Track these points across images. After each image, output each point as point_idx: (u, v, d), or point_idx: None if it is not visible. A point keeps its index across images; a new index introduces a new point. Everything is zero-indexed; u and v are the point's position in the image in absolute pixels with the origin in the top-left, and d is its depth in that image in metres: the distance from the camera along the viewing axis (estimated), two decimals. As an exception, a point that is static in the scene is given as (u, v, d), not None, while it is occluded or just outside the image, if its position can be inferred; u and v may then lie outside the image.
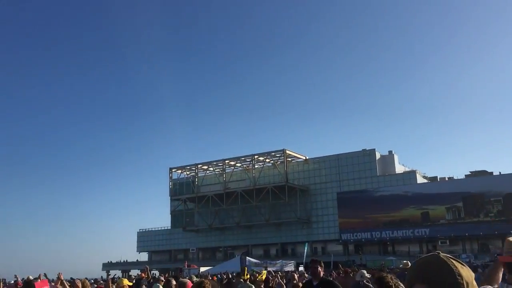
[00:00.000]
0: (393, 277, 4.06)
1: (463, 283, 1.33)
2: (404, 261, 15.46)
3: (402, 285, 3.99)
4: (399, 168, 75.74)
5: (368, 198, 69.82)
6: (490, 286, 3.04)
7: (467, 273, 1.36)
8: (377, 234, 68.08)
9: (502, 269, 3.08)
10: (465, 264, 1.41)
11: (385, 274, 3.89)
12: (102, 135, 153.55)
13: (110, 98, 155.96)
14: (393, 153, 77.32)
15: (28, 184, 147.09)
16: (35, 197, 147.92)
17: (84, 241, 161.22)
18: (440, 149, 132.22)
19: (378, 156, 74.98)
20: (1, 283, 13.60)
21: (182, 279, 9.60)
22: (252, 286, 12.52)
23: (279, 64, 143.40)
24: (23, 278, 15.96)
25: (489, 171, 68.95)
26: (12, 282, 14.97)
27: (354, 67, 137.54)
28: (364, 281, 11.53)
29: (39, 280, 6.83)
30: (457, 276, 1.33)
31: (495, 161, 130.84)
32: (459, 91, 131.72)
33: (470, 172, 70.59)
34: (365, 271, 13.11)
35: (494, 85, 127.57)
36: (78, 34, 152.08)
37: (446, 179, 72.69)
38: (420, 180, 72.22)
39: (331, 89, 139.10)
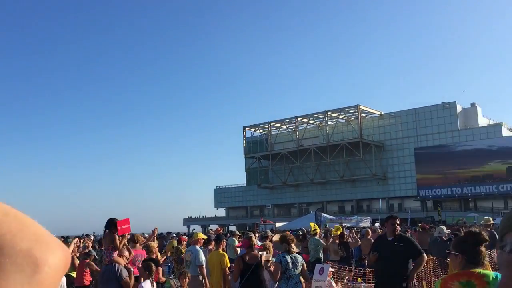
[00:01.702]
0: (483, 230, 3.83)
1: None
2: (486, 217, 14.70)
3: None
4: (483, 121, 71.57)
5: (448, 153, 67.00)
6: None
7: None
8: (458, 190, 65.57)
9: None
10: None
11: (474, 229, 3.70)
12: (181, 94, 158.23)
13: (186, 57, 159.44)
14: (476, 105, 73.00)
15: (113, 138, 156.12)
16: (131, 152, 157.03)
17: (166, 197, 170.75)
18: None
19: (459, 109, 71.14)
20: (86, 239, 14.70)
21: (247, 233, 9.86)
22: (319, 240, 12.61)
23: (349, 16, 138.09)
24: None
25: None
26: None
27: (431, 17, 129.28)
28: (443, 237, 11.21)
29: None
30: None
31: None
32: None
33: None
34: (443, 227, 12.73)
35: None
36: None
37: (536, 131, 67.75)
38: (506, 133, 67.89)
39: (407, 41, 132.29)
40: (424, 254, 6.91)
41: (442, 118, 70.82)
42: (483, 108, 74.03)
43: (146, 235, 12.46)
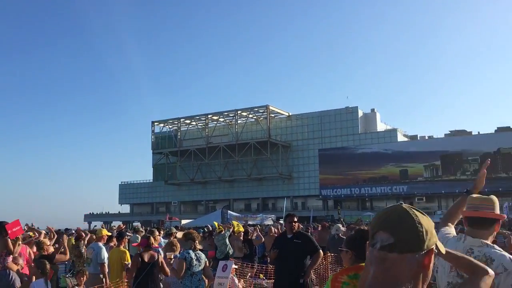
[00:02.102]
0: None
1: (422, 230, 1.38)
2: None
3: None
4: (381, 126, 76.47)
5: (349, 155, 70.67)
6: (449, 229, 3.15)
7: (427, 222, 1.42)
8: (356, 191, 69.41)
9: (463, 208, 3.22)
10: (425, 214, 1.46)
11: (363, 227, 3.99)
12: (86, 86, 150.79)
13: (96, 50, 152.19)
14: (375, 111, 77.83)
15: (13, 129, 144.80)
16: (18, 143, 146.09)
17: (66, 192, 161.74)
18: (421, 109, 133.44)
19: (360, 114, 75.44)
20: None
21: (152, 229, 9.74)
22: (225, 236, 12.76)
23: (264, 18, 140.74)
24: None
25: (468, 130, 70.14)
26: None
27: (339, 25, 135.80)
28: (340, 234, 11.87)
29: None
30: (417, 224, 1.39)
31: (474, 121, 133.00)
32: (441, 51, 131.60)
33: (449, 131, 71.79)
34: (340, 225, 13.47)
35: (476, 46, 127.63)
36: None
37: (426, 137, 73.76)
38: (400, 138, 73.18)
39: (315, 46, 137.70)
40: (321, 251, 7.23)
41: (345, 121, 74.63)
42: (381, 114, 79.23)
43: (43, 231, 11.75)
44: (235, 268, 9.88)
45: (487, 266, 1.80)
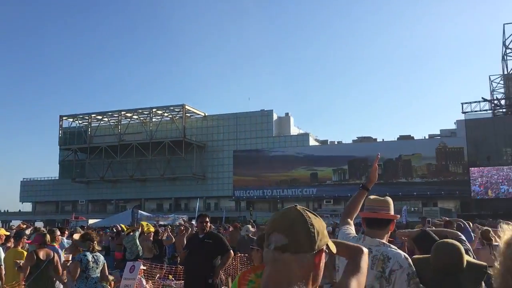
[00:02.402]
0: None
1: (314, 231, 1.46)
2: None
3: None
4: (294, 130, 78.79)
5: (263, 157, 71.94)
6: (349, 229, 3.33)
7: (319, 223, 1.50)
8: (269, 192, 70.81)
9: (362, 202, 3.43)
10: (318, 216, 1.54)
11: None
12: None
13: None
14: (289, 115, 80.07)
15: None
16: None
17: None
18: (332, 115, 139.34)
19: (275, 117, 77.24)
20: None
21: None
22: (135, 236, 12.47)
23: (183, 18, 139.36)
24: None
25: (373, 137, 74.42)
26: None
27: (257, 28, 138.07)
28: (250, 234, 12.05)
29: None
30: (309, 226, 1.46)
31: (379, 129, 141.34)
32: (351, 60, 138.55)
33: (357, 137, 75.69)
34: (250, 226, 13.68)
35: (383, 55, 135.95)
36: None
37: (336, 143, 77.15)
38: (312, 142, 75.89)
39: (234, 49, 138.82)
40: (231, 251, 7.31)
41: (260, 124, 76.02)
42: (295, 119, 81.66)
43: None
44: (143, 269, 9.67)
45: (363, 251, 1.92)
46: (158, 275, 11.19)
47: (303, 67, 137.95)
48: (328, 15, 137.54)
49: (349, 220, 3.42)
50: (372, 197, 3.34)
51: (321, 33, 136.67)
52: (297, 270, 1.42)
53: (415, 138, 68.76)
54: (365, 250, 1.92)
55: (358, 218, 3.48)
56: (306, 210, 1.52)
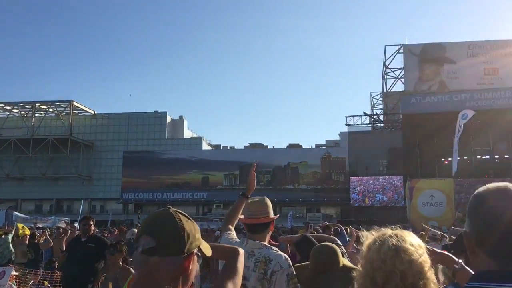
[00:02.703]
0: None
1: (184, 234, 1.45)
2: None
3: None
4: (188, 134, 78.49)
5: (154, 159, 70.55)
6: (231, 234, 3.41)
7: (190, 226, 1.49)
8: (159, 195, 69.51)
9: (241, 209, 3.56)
10: (191, 219, 1.54)
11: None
12: None
13: None
14: (183, 118, 79.58)
15: None
16: None
17: None
18: (227, 120, 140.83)
19: (169, 119, 76.28)
20: None
21: None
22: (7, 239, 11.56)
23: (82, 4, 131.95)
24: None
25: (264, 144, 76.81)
26: None
27: (154, 25, 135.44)
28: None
29: None
30: (180, 228, 1.45)
31: (270, 137, 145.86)
32: (245, 67, 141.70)
33: (249, 143, 77.58)
34: (135, 229, 13.35)
35: (275, 65, 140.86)
36: None
37: (228, 148, 78.25)
38: (205, 147, 76.15)
39: (128, 47, 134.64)
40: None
41: (153, 125, 74.53)
42: (189, 122, 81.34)
43: None
44: (15, 275, 8.97)
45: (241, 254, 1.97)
46: (32, 281, 10.50)
47: (198, 71, 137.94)
48: (224, 18, 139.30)
49: (230, 226, 3.51)
50: (250, 201, 3.48)
51: (216, 36, 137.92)
52: (165, 273, 1.40)
53: (303, 146, 72.16)
54: (241, 251, 1.98)
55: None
56: (179, 212, 1.51)
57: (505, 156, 40.00)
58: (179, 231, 1.43)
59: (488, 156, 41.66)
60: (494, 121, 34.55)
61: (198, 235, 1.52)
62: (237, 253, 1.92)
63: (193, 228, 1.49)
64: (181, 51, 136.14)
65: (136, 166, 69.72)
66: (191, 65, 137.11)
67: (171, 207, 1.56)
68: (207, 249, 1.57)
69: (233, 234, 3.43)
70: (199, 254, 1.52)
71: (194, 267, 1.49)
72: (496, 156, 41.45)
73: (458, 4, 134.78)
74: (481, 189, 1.39)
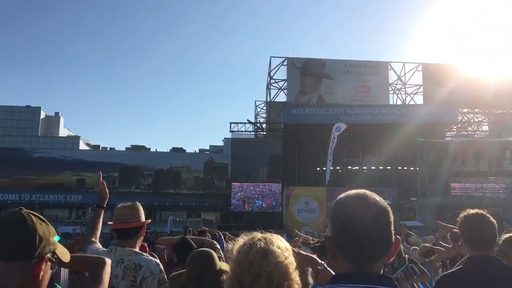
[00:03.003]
0: None
1: (35, 237, 1.34)
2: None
3: None
4: (64, 132, 73.99)
5: (23, 158, 65.26)
6: (96, 245, 3.22)
7: (44, 229, 1.38)
8: (27, 197, 64.17)
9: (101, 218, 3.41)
10: (46, 221, 1.43)
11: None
12: None
13: None
14: (60, 115, 74.94)
15: None
16: None
17: None
18: (109, 120, 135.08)
19: (43, 115, 71.20)
20: None
21: None
22: None
23: None
24: None
25: (147, 147, 75.09)
26: None
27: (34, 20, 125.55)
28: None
29: None
30: (30, 231, 1.35)
31: (153, 140, 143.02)
32: (131, 66, 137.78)
33: (130, 145, 75.24)
34: None
35: (160, 68, 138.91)
36: None
37: (108, 149, 75.04)
38: (82, 146, 72.25)
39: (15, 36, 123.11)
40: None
41: (24, 121, 69.10)
42: (66, 119, 76.63)
43: None
44: None
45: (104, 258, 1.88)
46: None
47: (80, 66, 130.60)
48: (113, 16, 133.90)
49: (94, 239, 3.32)
50: (120, 205, 3.37)
51: (102, 30, 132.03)
52: (10, 279, 1.28)
53: (187, 151, 71.94)
54: (108, 261, 1.87)
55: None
56: (32, 214, 1.40)
57: (372, 167, 43.76)
58: (29, 234, 1.31)
59: (357, 167, 45.26)
60: (363, 135, 37.63)
61: (53, 239, 1.40)
62: (103, 263, 1.80)
63: (47, 230, 1.37)
64: (62, 42, 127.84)
65: (1, 164, 63.77)
66: (72, 59, 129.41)
67: (23, 208, 1.41)
68: (64, 254, 1.44)
69: (98, 245, 3.25)
70: (53, 260, 1.39)
71: (47, 273, 1.36)
72: (365, 168, 45.21)
73: (341, 23, 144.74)
74: (342, 195, 1.48)
